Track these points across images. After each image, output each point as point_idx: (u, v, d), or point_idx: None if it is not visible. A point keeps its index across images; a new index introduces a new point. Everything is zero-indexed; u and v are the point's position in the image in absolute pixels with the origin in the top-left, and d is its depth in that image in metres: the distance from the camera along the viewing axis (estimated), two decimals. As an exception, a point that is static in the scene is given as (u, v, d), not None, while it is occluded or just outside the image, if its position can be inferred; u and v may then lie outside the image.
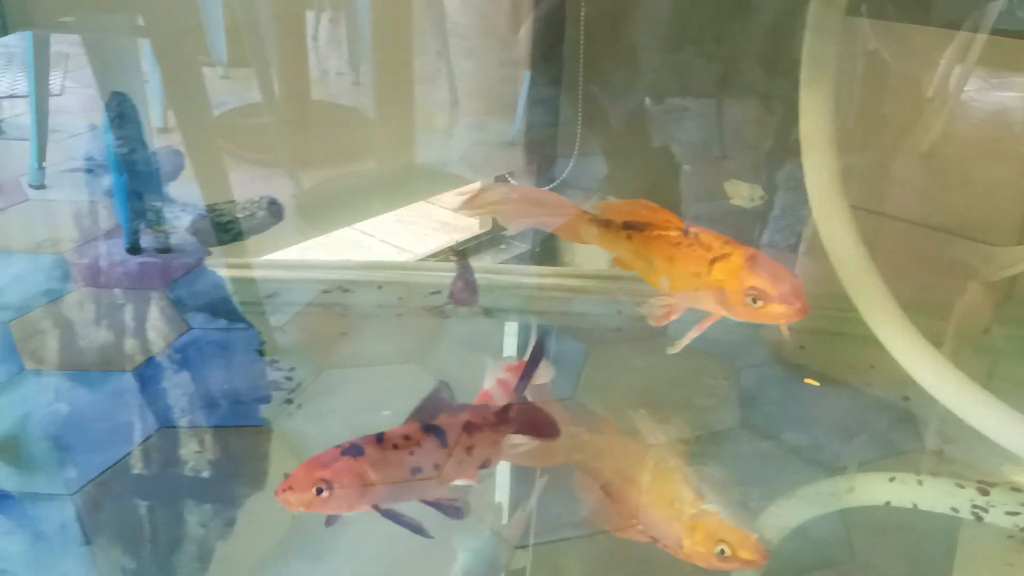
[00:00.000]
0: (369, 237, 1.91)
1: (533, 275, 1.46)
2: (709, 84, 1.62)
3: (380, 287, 1.35)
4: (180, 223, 0.87)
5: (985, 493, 1.01)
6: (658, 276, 0.86)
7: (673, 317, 0.85)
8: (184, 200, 1.24)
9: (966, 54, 1.54)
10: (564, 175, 1.73)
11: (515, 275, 1.44)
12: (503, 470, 1.06)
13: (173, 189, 1.31)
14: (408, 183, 1.66)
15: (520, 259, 1.81)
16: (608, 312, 1.39)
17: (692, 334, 0.86)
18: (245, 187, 1.41)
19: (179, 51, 1.13)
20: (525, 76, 1.70)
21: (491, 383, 0.93)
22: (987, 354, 1.27)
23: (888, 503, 1.03)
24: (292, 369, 1.17)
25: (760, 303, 0.78)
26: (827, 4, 1.13)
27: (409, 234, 1.95)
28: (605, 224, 0.91)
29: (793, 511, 0.99)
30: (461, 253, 1.07)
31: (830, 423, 1.18)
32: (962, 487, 1.02)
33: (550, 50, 1.64)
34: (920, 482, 1.04)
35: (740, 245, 0.82)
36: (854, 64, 1.38)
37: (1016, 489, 1.02)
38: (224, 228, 0.88)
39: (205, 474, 1.02)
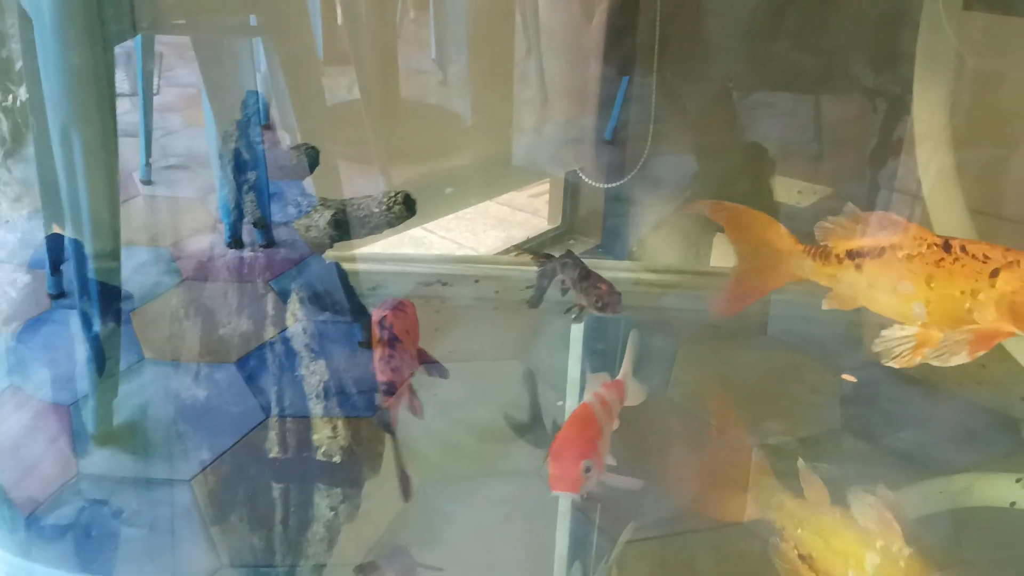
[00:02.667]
0: (430, 234, 1.93)
1: (627, 270, 1.45)
2: (799, 80, 1.59)
3: (477, 281, 1.37)
4: (319, 217, 0.91)
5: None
6: (908, 305, 0.75)
7: (926, 351, 0.74)
8: (309, 195, 1.28)
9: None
10: (634, 172, 1.71)
11: (609, 271, 1.44)
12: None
13: (286, 184, 1.35)
14: (496, 180, 1.67)
15: (588, 255, 1.80)
16: (704, 308, 1.38)
17: (961, 357, 0.72)
18: (345, 184, 1.44)
19: (297, 49, 1.16)
20: (624, 78, 1.69)
21: (590, 396, 0.92)
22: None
23: (1013, 504, 1.00)
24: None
25: None
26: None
27: (467, 231, 1.96)
28: (823, 255, 0.80)
29: (917, 507, 0.96)
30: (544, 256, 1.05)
31: (940, 424, 1.15)
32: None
33: (621, 43, 1.62)
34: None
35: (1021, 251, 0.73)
36: (963, 60, 1.34)
37: None
38: (362, 222, 0.90)
39: (314, 463, 1.05)
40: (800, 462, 0.98)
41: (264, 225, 1.38)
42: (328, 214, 0.90)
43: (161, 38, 1.87)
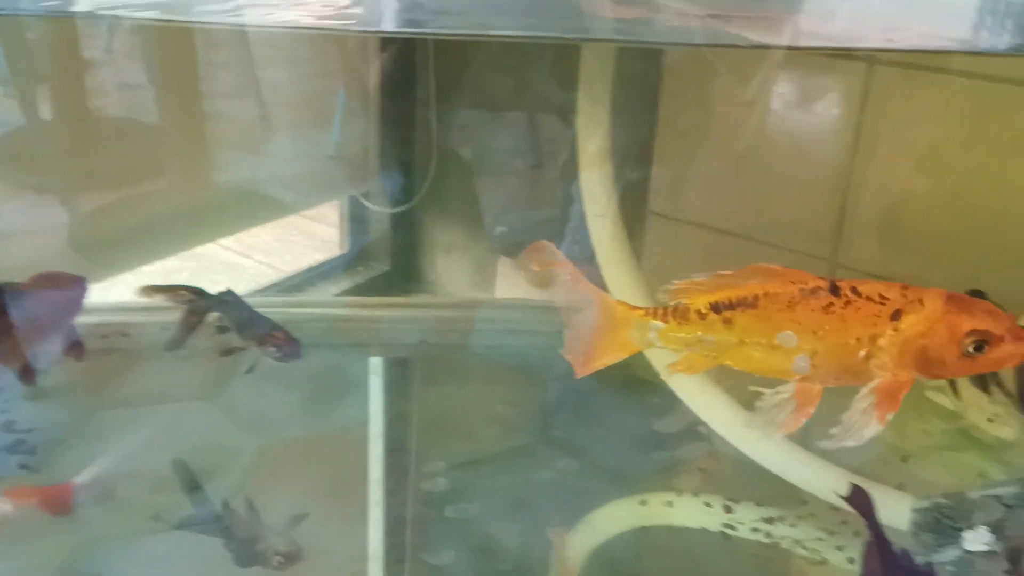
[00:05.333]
0: (244, 258, 1.80)
1: (336, 306, 1.41)
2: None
3: (164, 329, 1.26)
4: None
5: (729, 511, 0.99)
6: (788, 359, 0.67)
7: (810, 410, 0.67)
8: None
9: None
10: (419, 196, 1.69)
11: (316, 307, 1.39)
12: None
13: None
14: (218, 210, 1.56)
15: (376, 280, 1.75)
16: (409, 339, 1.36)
17: (869, 428, 0.66)
18: (17, 218, 1.31)
19: None
20: (340, 90, 1.65)
21: None
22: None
23: (643, 527, 1.00)
24: (29, 431, 1.07)
25: (986, 348, 0.63)
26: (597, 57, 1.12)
27: (288, 254, 1.85)
28: (679, 315, 0.68)
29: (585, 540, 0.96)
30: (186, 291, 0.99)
31: (625, 437, 1.17)
32: (710, 506, 0.99)
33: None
34: (670, 503, 1.01)
35: (919, 287, 0.66)
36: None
37: (757, 504, 0.99)
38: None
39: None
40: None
41: None
42: None
43: None
